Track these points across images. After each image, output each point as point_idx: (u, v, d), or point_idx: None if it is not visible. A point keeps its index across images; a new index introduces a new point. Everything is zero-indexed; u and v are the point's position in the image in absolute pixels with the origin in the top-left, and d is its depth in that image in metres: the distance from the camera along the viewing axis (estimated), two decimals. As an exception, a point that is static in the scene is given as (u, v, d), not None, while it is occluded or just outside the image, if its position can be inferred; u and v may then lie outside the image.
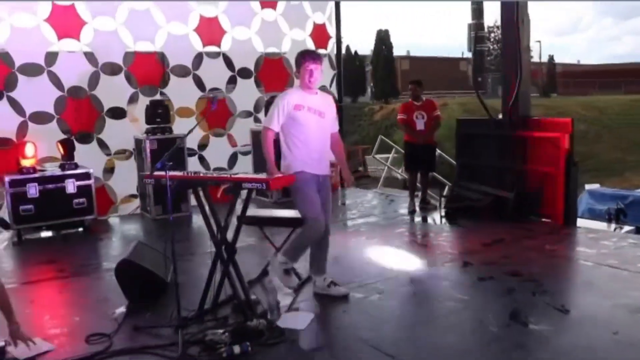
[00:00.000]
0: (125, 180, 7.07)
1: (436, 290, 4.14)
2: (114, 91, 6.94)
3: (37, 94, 6.41)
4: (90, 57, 6.76)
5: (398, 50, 43.28)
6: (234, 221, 3.57)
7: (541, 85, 43.77)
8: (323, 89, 7.22)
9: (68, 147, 6.33)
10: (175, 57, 7.39)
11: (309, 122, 3.74)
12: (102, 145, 6.94)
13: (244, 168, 7.83)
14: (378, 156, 11.17)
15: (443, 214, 6.69)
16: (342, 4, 8.94)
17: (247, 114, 8.06)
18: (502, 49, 7.34)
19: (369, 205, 7.46)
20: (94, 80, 6.81)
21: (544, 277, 4.24)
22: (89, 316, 3.66)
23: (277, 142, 3.82)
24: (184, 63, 7.47)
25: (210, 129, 7.76)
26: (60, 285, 4.47)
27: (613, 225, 7.34)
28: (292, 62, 7.20)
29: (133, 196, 7.20)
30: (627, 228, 7.15)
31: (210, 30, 7.66)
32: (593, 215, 9.22)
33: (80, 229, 6.32)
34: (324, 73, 4.09)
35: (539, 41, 44.18)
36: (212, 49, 7.68)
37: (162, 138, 6.71)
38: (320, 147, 3.82)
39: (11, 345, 2.91)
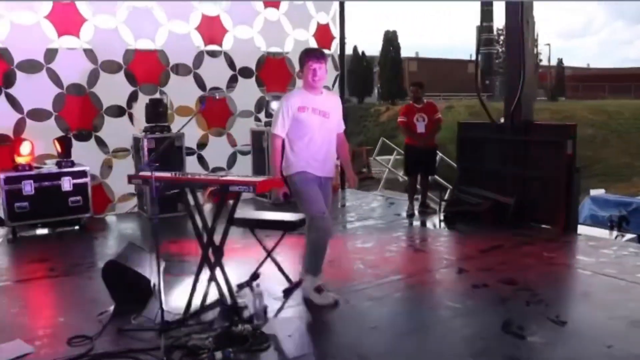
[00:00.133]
0: (122, 179, 6.95)
1: (429, 298, 4.06)
2: (113, 89, 6.91)
3: (35, 91, 6.38)
4: (90, 54, 6.73)
5: (407, 52, 43.29)
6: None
7: (549, 89, 43.52)
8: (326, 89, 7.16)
9: (65, 145, 6.29)
10: (176, 55, 7.35)
11: (313, 123, 3.66)
12: (101, 143, 6.91)
13: (244, 168, 7.80)
14: (379, 158, 11.10)
15: (442, 218, 6.61)
16: (348, 5, 8.88)
17: (248, 114, 8.02)
18: (505, 51, 7.22)
19: (367, 208, 7.38)
20: (93, 77, 6.79)
21: (540, 285, 4.15)
22: (74, 317, 3.61)
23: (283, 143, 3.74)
24: (185, 61, 7.44)
25: (210, 128, 7.72)
26: (50, 284, 4.43)
27: (615, 233, 7.22)
28: (295, 62, 7.25)
29: (131, 195, 7.17)
30: (629, 236, 7.03)
31: (211, 29, 7.62)
32: (595, 222, 9.08)
33: (77, 227, 6.30)
34: (327, 73, 3.98)
35: (549, 44, 43.98)
36: (214, 47, 7.64)
37: (160, 137, 6.67)
38: (324, 149, 3.73)
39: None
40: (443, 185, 8.22)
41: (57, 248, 5.62)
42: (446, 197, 7.70)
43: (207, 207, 5.61)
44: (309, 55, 3.70)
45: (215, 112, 7.68)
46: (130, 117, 7.03)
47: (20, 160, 5.96)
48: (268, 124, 7.34)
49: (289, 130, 3.67)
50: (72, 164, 6.23)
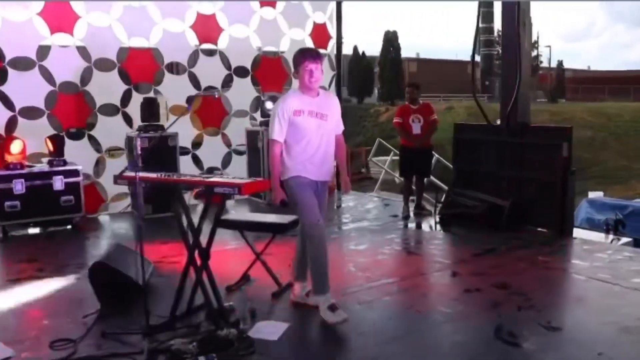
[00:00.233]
0: (116, 178, 6.97)
1: (419, 302, 4.00)
2: (107, 87, 6.85)
3: (27, 89, 6.33)
4: (83, 52, 6.68)
5: (408, 52, 43.24)
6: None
7: (549, 91, 43.53)
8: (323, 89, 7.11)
9: (57, 143, 6.25)
10: (170, 54, 7.30)
11: (310, 126, 3.53)
12: (94, 142, 6.86)
13: (239, 168, 7.76)
14: (376, 159, 11.04)
15: (437, 220, 6.56)
16: (348, 5, 8.87)
17: (243, 114, 7.97)
18: (502, 52, 7.18)
19: (363, 209, 7.33)
20: (87, 75, 6.74)
21: (532, 290, 4.10)
22: (59, 319, 3.56)
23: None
24: (180, 60, 7.39)
25: (205, 128, 7.67)
26: (37, 285, 4.35)
27: (611, 237, 7.17)
28: (291, 61, 7.19)
29: (124, 194, 7.11)
30: (624, 239, 6.98)
31: (207, 27, 7.57)
32: (592, 225, 9.03)
33: (69, 227, 6.25)
34: (323, 74, 3.89)
35: (549, 46, 43.96)
36: (209, 46, 7.58)
37: (153, 136, 6.61)
38: (321, 152, 3.60)
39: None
40: (439, 186, 8.16)
41: (48, 248, 5.57)
42: (442, 198, 7.64)
43: (198, 208, 5.55)
44: (304, 56, 3.56)
45: (210, 111, 7.63)
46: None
47: (11, 158, 5.91)
48: (264, 123, 7.29)
49: (286, 135, 3.53)
50: (64, 163, 6.18)
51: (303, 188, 3.54)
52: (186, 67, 7.41)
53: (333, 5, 8.65)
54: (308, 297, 3.77)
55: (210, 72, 7.56)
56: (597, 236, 6.68)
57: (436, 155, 9.30)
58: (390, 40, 40.30)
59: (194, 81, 7.45)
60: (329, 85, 8.58)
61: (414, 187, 6.95)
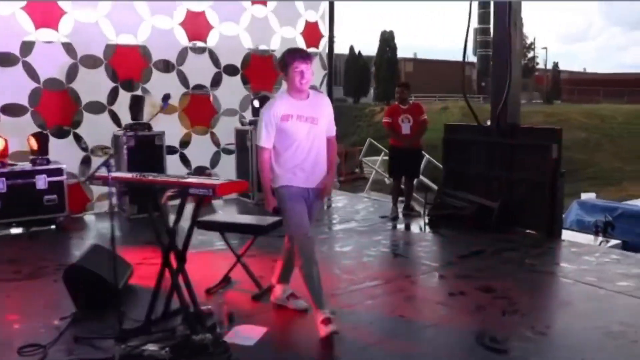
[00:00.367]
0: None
1: (402, 306, 3.92)
2: (93, 85, 6.75)
3: (10, 85, 6.21)
4: (68, 48, 6.57)
5: (405, 52, 43.16)
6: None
7: (545, 92, 43.62)
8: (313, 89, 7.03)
9: (41, 142, 6.14)
10: (158, 51, 7.21)
11: (299, 132, 3.36)
12: (79, 140, 6.76)
13: (228, 168, 7.67)
14: (367, 159, 10.97)
15: (426, 221, 6.50)
16: (344, 4, 8.81)
17: (233, 112, 7.88)
18: (492, 53, 7.11)
19: (351, 210, 7.24)
20: (72, 72, 6.63)
21: (518, 293, 4.04)
22: (31, 324, 3.46)
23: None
24: (168, 58, 7.29)
25: (193, 127, 7.58)
26: (11, 287, 4.23)
27: (600, 239, 7.12)
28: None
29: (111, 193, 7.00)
30: (613, 242, 6.94)
31: (196, 25, 7.47)
32: (581, 227, 8.99)
33: (53, 227, 6.14)
34: (314, 75, 3.75)
35: (545, 48, 44.02)
36: (198, 44, 7.49)
37: (140, 135, 6.52)
38: (312, 157, 3.43)
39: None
40: (429, 187, 8.11)
41: (30, 248, 5.46)
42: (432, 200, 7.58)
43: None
44: (294, 56, 3.36)
45: (199, 110, 7.54)
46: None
47: (-8, 156, 5.81)
48: (253, 122, 7.21)
49: (274, 141, 3.38)
50: (48, 162, 6.07)
51: (292, 198, 3.39)
52: (175, 64, 7.31)
53: (325, 4, 8.58)
54: (289, 300, 3.70)
55: (200, 70, 7.47)
56: (586, 238, 6.64)
57: (427, 156, 9.25)
58: (387, 40, 40.27)
59: (183, 79, 7.36)
60: (320, 85, 8.50)
61: (402, 187, 6.88)
